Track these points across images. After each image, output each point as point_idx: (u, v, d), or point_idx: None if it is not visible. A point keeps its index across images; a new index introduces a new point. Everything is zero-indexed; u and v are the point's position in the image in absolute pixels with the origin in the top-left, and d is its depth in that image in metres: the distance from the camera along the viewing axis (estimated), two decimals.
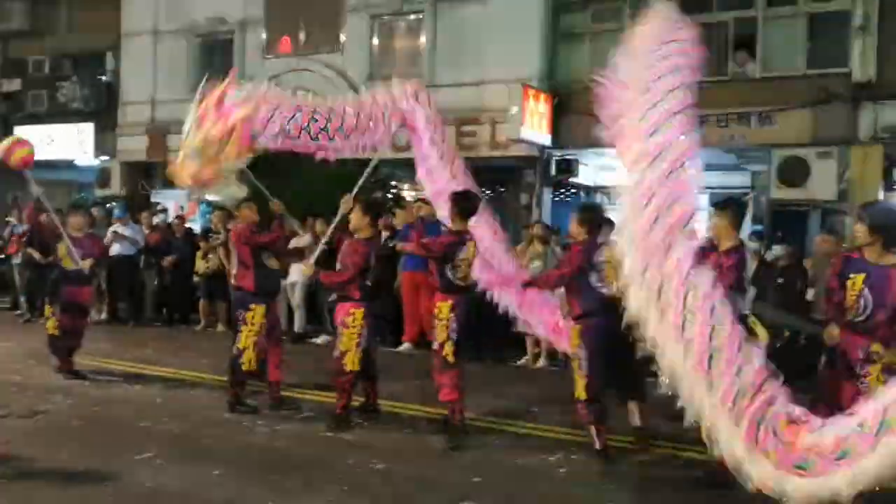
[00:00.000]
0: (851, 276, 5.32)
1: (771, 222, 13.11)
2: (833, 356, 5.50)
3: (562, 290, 6.50)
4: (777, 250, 9.40)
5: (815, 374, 6.09)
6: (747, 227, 13.31)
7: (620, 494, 5.31)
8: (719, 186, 16.02)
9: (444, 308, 6.47)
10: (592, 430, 5.96)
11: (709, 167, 15.56)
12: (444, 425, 6.46)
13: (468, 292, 6.65)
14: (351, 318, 6.61)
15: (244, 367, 7.05)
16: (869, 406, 3.84)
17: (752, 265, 9.75)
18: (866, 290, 5.23)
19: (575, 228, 6.31)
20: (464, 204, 6.53)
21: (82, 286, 8.63)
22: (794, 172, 12.80)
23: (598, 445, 5.93)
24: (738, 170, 15.36)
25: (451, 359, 6.38)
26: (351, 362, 6.57)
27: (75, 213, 9.04)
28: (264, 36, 17.09)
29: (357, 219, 6.82)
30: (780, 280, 9.19)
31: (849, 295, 5.32)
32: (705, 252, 5.81)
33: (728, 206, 5.97)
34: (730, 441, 3.90)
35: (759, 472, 3.84)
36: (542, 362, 9.88)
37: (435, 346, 6.48)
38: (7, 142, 8.44)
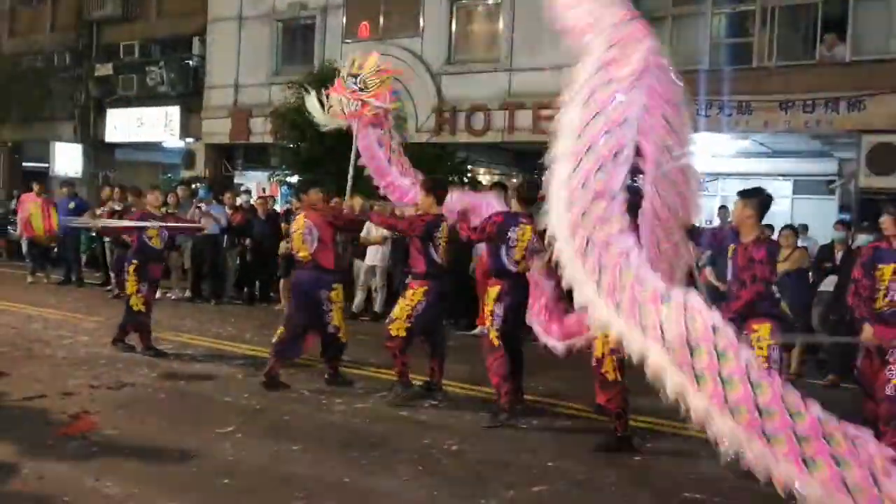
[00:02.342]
0: (880, 266, 5.33)
1: (860, 211, 12.66)
2: (868, 351, 5.47)
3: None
4: (862, 239, 9.03)
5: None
6: (834, 215, 12.94)
7: (700, 484, 5.25)
8: (805, 174, 15.60)
9: (492, 292, 6.53)
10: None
11: (794, 153, 15.17)
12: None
13: (521, 278, 6.52)
14: (411, 292, 6.92)
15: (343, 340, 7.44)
16: None
17: (838, 255, 9.49)
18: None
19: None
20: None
21: (160, 264, 9.13)
22: (885, 160, 12.33)
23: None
24: (825, 156, 14.89)
25: (495, 342, 6.44)
26: (396, 329, 6.87)
27: (152, 191, 9.35)
28: (344, 21, 17.27)
29: (422, 200, 7.01)
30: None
31: (878, 285, 5.32)
32: (716, 236, 5.90)
33: (755, 195, 5.73)
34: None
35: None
36: None
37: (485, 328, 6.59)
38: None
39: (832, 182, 15.09)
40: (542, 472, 5.29)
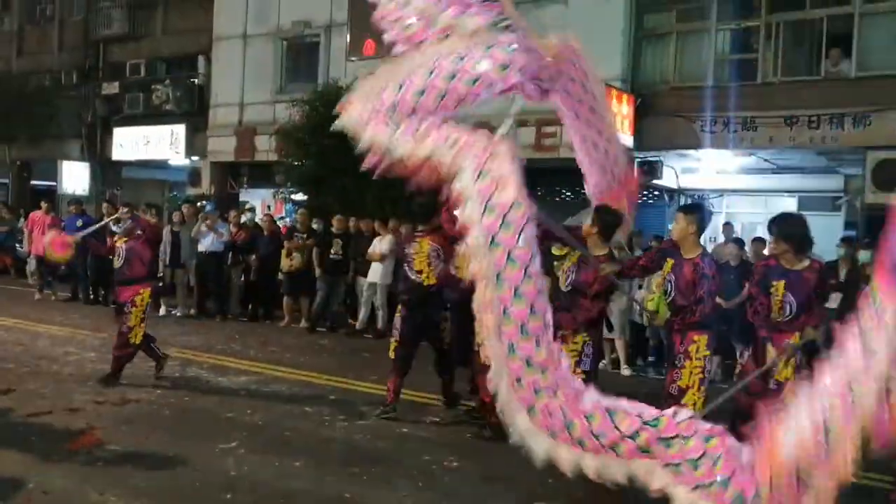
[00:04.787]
0: (774, 283, 5.67)
1: (866, 228, 12.62)
2: (755, 351, 5.85)
3: None
4: (864, 256, 9.03)
5: None
6: (840, 231, 12.91)
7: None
8: (810, 190, 15.57)
9: None
10: None
11: (799, 169, 15.15)
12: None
13: None
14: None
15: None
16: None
17: (842, 272, 9.48)
18: (788, 294, 5.59)
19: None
20: None
21: (126, 286, 8.00)
22: (891, 176, 12.31)
23: None
24: (830, 172, 14.88)
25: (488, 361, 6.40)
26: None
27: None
28: (348, 39, 17.36)
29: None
30: (867, 288, 8.82)
31: (773, 300, 5.67)
32: (664, 254, 5.98)
33: (695, 210, 6.14)
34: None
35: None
36: (625, 370, 9.79)
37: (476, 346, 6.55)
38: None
39: (838, 198, 15.07)
40: (544, 489, 5.27)
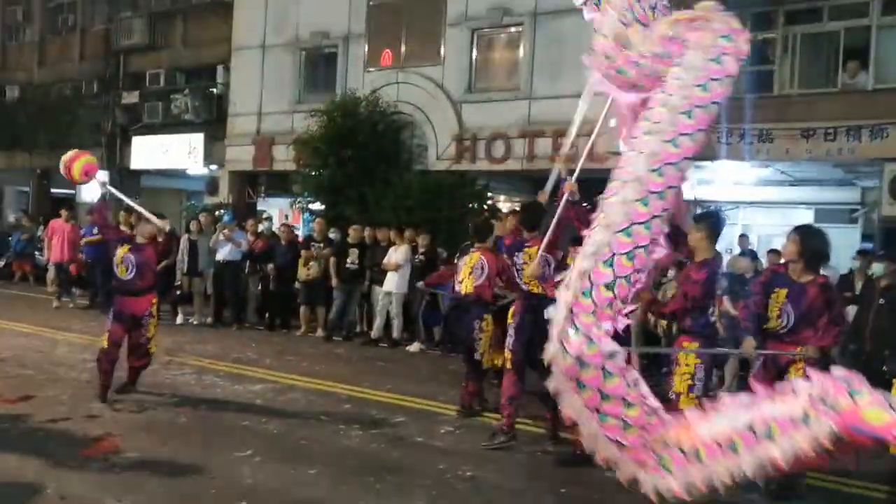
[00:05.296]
0: (776, 289, 5.74)
1: (883, 240, 12.55)
2: (765, 363, 5.83)
3: None
4: (877, 268, 8.96)
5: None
6: (857, 244, 12.84)
7: None
8: (827, 202, 15.51)
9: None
10: None
11: (816, 182, 15.10)
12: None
13: (534, 297, 6.58)
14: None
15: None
16: (764, 409, 3.47)
17: (857, 284, 9.43)
18: (788, 304, 5.65)
19: None
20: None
21: (135, 297, 7.61)
22: None
23: None
24: (847, 185, 14.81)
25: (507, 364, 6.69)
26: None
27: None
28: (366, 49, 17.48)
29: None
30: (881, 301, 8.78)
31: (772, 305, 5.73)
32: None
33: (706, 218, 6.33)
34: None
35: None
36: None
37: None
38: (67, 156, 7.67)
39: (855, 211, 15.00)
40: (557, 499, 5.29)
